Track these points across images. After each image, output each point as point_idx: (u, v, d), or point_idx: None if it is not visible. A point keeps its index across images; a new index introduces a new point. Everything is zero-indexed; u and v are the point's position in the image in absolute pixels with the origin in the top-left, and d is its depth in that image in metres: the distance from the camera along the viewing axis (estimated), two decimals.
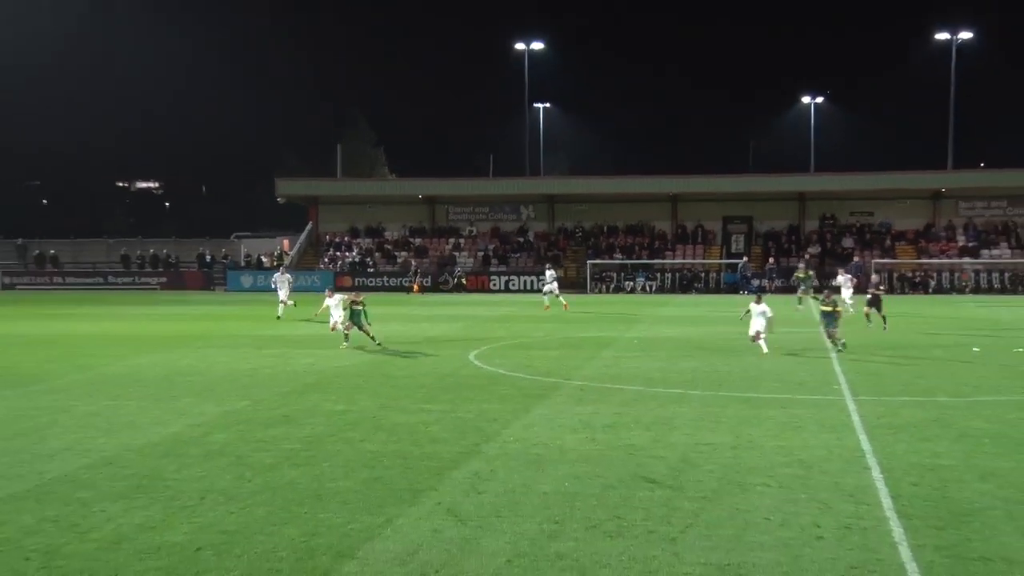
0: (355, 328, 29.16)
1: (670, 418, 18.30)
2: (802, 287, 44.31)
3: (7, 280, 63.31)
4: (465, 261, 65.12)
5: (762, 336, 27.65)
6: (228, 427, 17.58)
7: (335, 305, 29.87)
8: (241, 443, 16.29)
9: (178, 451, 15.70)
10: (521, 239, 67.08)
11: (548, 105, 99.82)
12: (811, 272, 46.91)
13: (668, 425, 17.66)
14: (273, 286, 41.92)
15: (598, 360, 26.83)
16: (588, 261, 62.06)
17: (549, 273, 44.42)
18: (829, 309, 27.94)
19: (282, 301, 40.03)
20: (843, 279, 41.15)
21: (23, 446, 16.08)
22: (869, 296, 34.60)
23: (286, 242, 72.79)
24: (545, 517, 12.08)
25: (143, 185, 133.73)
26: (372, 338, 29.09)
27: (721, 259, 63.51)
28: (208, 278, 63.90)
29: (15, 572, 10.32)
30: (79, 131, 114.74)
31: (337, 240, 67.62)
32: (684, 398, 20.52)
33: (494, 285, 60.94)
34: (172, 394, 21.16)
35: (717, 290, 60.65)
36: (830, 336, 28.23)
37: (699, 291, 58.78)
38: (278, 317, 39.15)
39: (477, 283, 61.31)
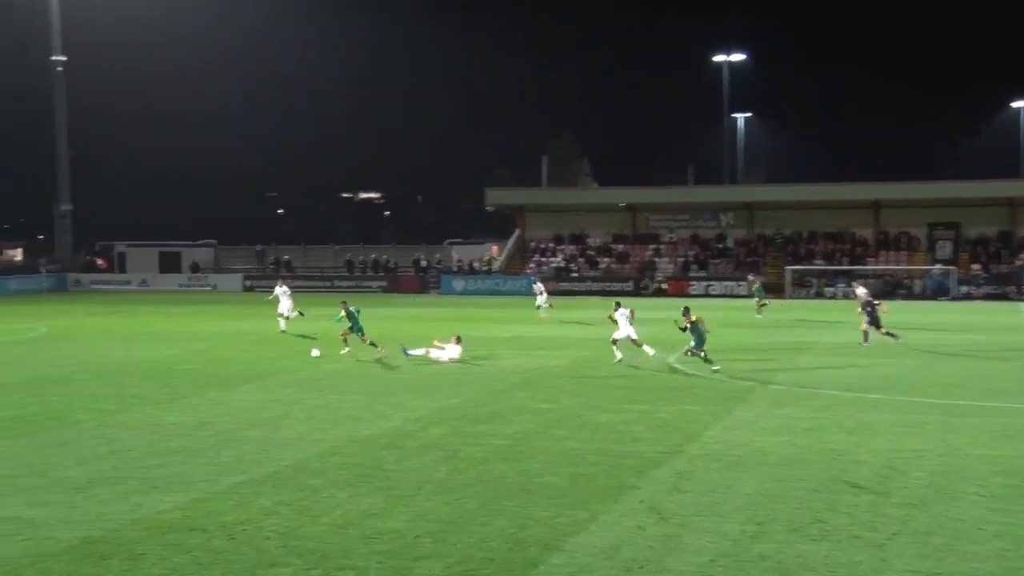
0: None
1: (871, 423, 17.54)
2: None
3: (247, 283, 67.10)
4: (665, 267, 64.63)
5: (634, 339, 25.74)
6: (442, 422, 18.00)
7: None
8: (454, 437, 16.65)
9: (397, 443, 16.19)
10: (720, 245, 66.00)
11: (747, 115, 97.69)
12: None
13: (870, 430, 16.92)
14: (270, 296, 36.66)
15: (796, 364, 26.01)
16: (786, 267, 60.40)
17: (537, 286, 43.13)
18: None
19: (282, 314, 35.17)
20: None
21: (261, 435, 16.96)
22: None
23: (495, 248, 74.02)
24: (747, 518, 11.78)
25: (366, 196, 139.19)
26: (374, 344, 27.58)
27: (926, 265, 60.55)
28: (423, 282, 65.81)
29: (257, 549, 10.89)
30: (308, 146, 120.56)
31: (542, 246, 68.38)
32: (883, 403, 19.62)
33: (694, 290, 60.08)
34: (391, 390, 21.85)
35: (923, 296, 57.86)
36: None
37: (903, 297, 56.21)
38: (281, 331, 34.54)
39: (677, 288, 60.66)
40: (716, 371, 24.01)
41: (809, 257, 63.30)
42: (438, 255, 72.65)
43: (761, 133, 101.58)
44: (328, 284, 66.46)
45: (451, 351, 26.92)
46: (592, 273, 64.87)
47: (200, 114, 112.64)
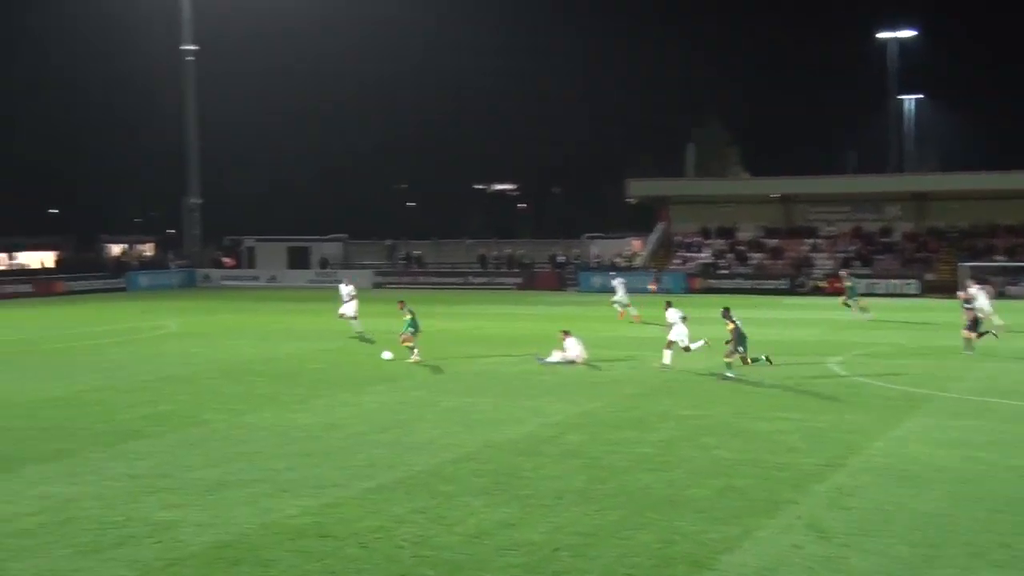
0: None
1: None
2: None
3: (378, 279, 68.54)
4: (823, 263, 63.06)
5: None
6: (581, 428, 17.98)
7: None
8: (594, 444, 16.60)
9: (534, 449, 16.24)
10: (886, 240, 63.98)
11: (918, 97, 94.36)
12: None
13: None
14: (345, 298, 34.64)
15: (978, 371, 24.99)
16: (959, 264, 58.12)
17: (618, 280, 41.89)
18: None
19: (346, 315, 34.07)
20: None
21: (393, 438, 17.27)
22: None
23: (637, 243, 73.64)
24: (919, 539, 11.38)
25: (500, 187, 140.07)
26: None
27: None
28: (560, 278, 65.94)
29: (390, 559, 11.08)
30: (440, 136, 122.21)
31: (688, 241, 67.65)
32: None
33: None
34: (527, 392, 21.95)
35: None
36: None
37: None
38: (359, 332, 33.26)
39: (836, 286, 59.15)
40: (728, 377, 23.33)
41: (988, 252, 60.76)
42: (576, 250, 72.69)
43: (933, 116, 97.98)
44: (461, 280, 67.25)
45: (572, 348, 26.70)
46: (742, 270, 63.80)
47: (329, 105, 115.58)
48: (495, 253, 72.57)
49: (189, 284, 69.92)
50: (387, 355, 27.47)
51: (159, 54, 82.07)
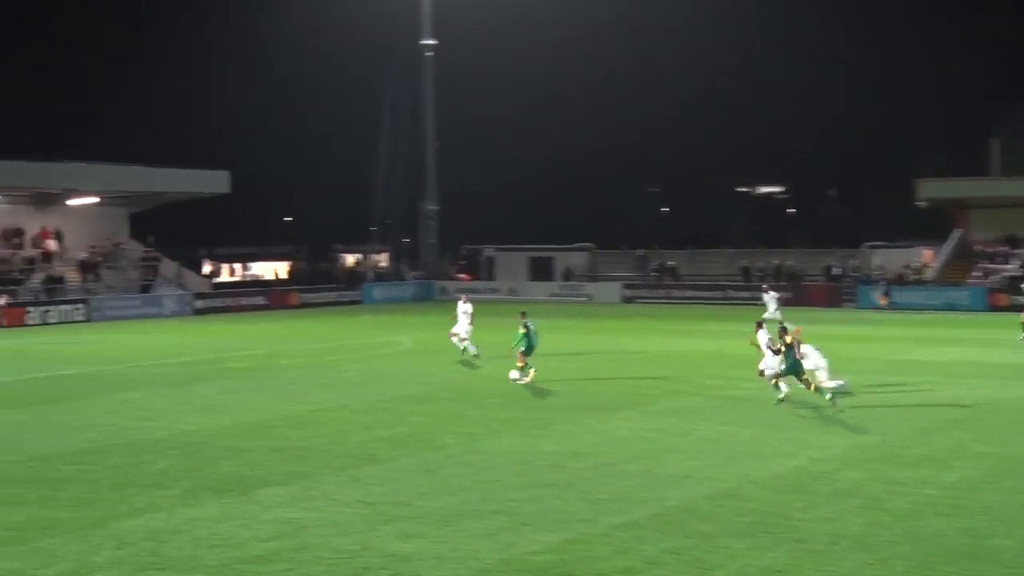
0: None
1: None
2: None
3: (627, 292, 68.74)
4: None
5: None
6: (859, 464, 17.46)
7: None
8: (875, 483, 16.09)
9: (804, 487, 15.89)
10: None
11: None
12: None
13: None
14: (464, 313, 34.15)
15: None
16: None
17: (769, 295, 38.28)
18: None
19: (457, 335, 33.92)
20: None
21: (644, 469, 17.30)
22: None
23: (928, 253, 70.74)
24: None
25: (765, 190, 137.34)
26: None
27: None
28: (836, 293, 64.14)
29: None
30: (696, 132, 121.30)
31: (990, 251, 64.40)
32: None
33: None
34: (793, 423, 21.48)
35: None
36: None
37: None
38: (473, 355, 33.08)
39: None
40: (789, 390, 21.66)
41: None
42: (855, 261, 70.50)
43: None
44: (720, 295, 66.53)
45: (812, 356, 23.68)
46: None
47: (573, 103, 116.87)
48: (760, 264, 71.36)
49: (425, 297, 72.31)
50: (514, 375, 27.82)
51: (396, 51, 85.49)
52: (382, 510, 14.81)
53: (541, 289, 71.61)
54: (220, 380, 29.79)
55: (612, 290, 70.28)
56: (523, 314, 28.78)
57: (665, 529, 13.73)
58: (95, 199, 63.32)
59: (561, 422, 21.88)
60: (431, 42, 75.48)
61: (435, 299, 71.80)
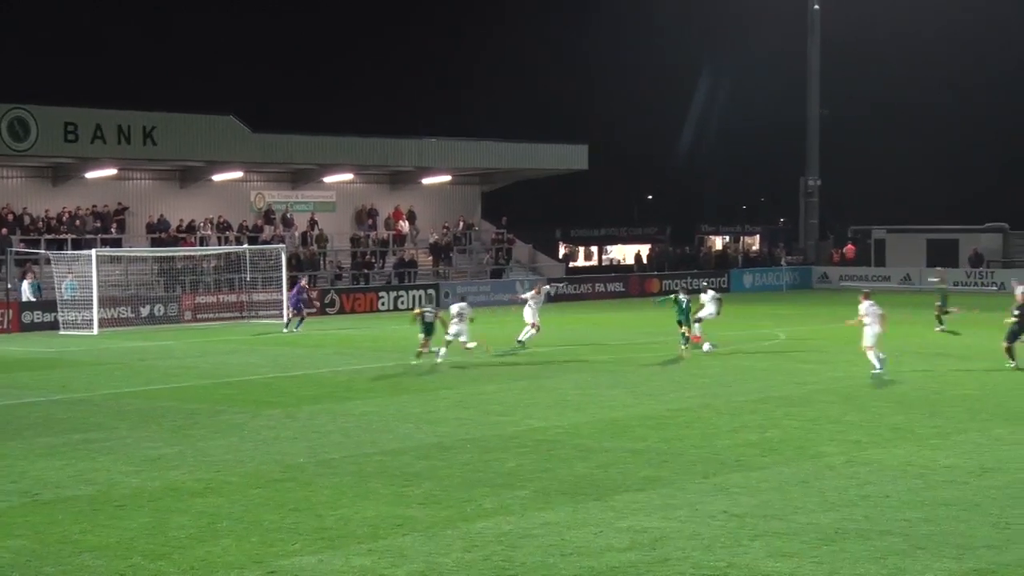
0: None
1: None
2: None
3: None
4: None
5: None
6: None
7: None
8: None
9: None
10: None
11: None
12: None
13: None
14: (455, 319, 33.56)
15: None
16: None
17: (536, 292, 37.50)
18: None
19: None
20: None
21: None
22: None
23: None
24: None
25: None
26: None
27: None
28: None
29: None
30: None
31: None
32: None
33: None
34: None
35: None
36: None
37: None
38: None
39: None
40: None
41: None
42: None
43: None
44: None
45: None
46: None
47: (983, 62, 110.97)
48: None
49: (802, 285, 71.06)
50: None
51: (778, 9, 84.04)
52: (751, 523, 14.67)
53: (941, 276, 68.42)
54: (574, 374, 30.46)
55: None
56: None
57: None
58: (448, 177, 66.21)
59: (964, 431, 20.99)
60: None
61: (814, 287, 70.39)
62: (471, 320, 33.99)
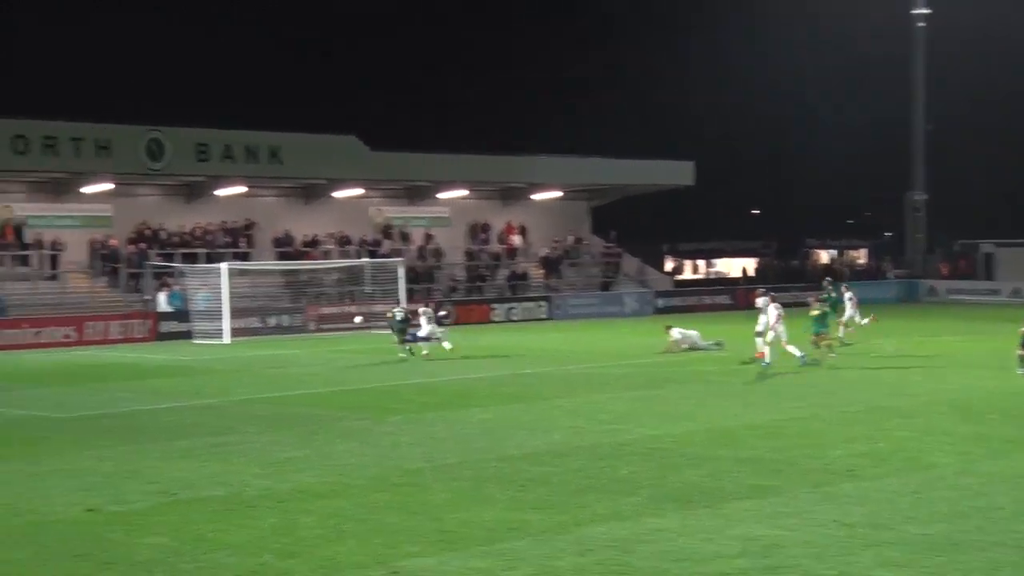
0: None
1: None
2: None
3: None
4: None
5: None
6: None
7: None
8: None
9: None
10: None
11: None
12: None
13: None
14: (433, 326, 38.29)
15: None
16: None
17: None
18: None
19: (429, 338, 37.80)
20: None
21: None
22: None
23: None
24: None
25: None
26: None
27: None
28: None
29: None
30: None
31: None
32: None
33: None
34: None
35: None
36: None
37: None
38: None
39: None
40: None
41: None
42: None
43: None
44: None
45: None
46: None
47: None
48: None
49: (909, 298, 69.89)
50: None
51: (880, 22, 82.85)
52: (862, 533, 14.43)
53: None
54: (684, 384, 30.28)
55: None
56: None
57: None
58: (558, 193, 66.37)
59: None
60: (924, 11, 72.67)
61: (921, 301, 69.15)
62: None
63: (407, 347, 37.04)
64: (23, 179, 51.90)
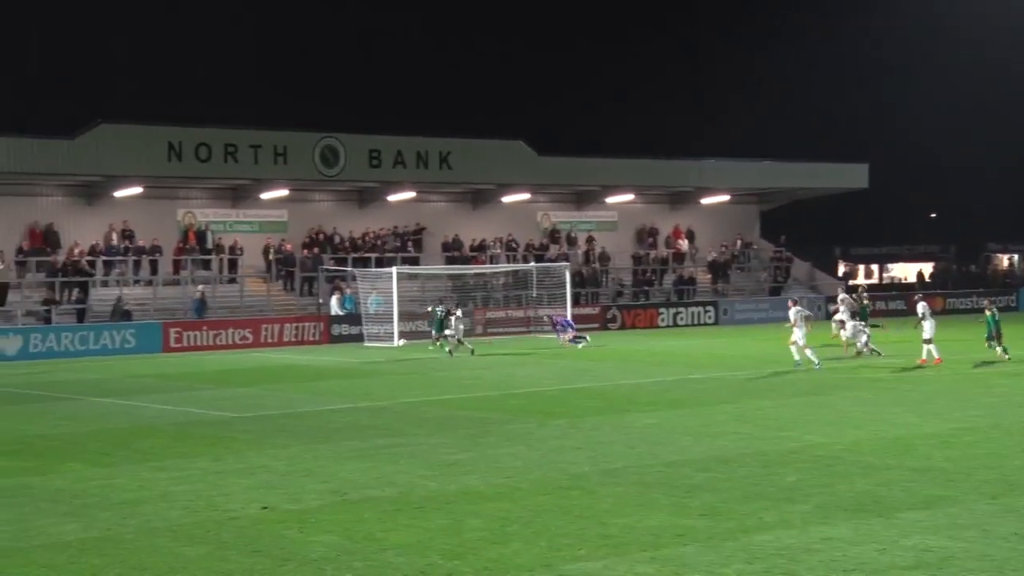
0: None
1: None
2: None
3: None
4: None
5: None
6: None
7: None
8: None
9: None
10: None
11: None
12: None
13: None
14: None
15: None
16: None
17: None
18: None
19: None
20: None
21: None
22: None
23: None
24: None
25: None
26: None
27: None
28: None
29: None
30: None
31: None
32: None
33: None
34: None
35: None
36: None
37: None
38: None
39: None
40: None
41: None
42: None
43: None
44: None
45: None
46: None
47: None
48: None
49: None
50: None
51: None
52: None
53: None
54: (852, 391, 29.64)
55: None
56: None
57: None
58: (726, 197, 65.64)
59: None
60: None
61: None
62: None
63: (438, 342, 42.80)
64: (206, 186, 53.62)
